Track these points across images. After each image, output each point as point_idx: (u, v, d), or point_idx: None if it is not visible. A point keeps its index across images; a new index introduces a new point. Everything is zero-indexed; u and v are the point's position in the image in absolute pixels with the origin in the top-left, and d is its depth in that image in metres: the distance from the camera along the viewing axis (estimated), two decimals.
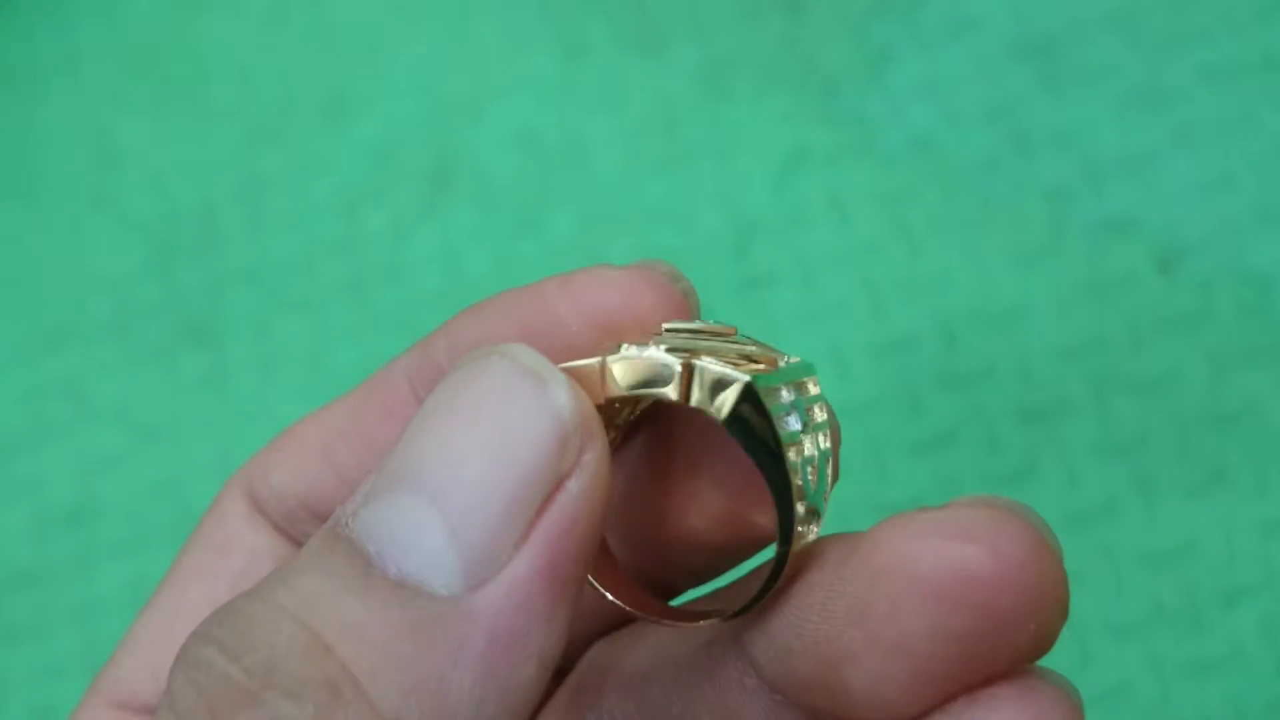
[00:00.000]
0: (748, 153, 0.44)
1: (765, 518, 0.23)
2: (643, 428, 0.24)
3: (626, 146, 0.44)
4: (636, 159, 0.44)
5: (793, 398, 0.22)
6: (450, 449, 0.20)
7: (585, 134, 0.44)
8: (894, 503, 0.38)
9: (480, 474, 0.19)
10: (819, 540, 0.22)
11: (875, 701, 0.21)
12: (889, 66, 0.44)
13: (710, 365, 0.21)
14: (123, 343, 0.44)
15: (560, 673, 0.26)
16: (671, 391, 0.21)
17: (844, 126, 0.43)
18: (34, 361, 0.44)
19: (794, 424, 0.21)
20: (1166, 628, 0.37)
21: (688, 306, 0.23)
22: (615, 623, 0.26)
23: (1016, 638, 0.20)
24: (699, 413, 0.21)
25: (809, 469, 0.21)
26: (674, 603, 0.25)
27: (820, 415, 0.22)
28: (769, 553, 0.22)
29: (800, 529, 0.21)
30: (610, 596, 0.24)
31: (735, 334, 0.22)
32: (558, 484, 0.20)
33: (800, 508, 0.21)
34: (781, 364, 0.22)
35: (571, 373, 0.21)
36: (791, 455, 0.21)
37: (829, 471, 0.22)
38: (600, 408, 0.21)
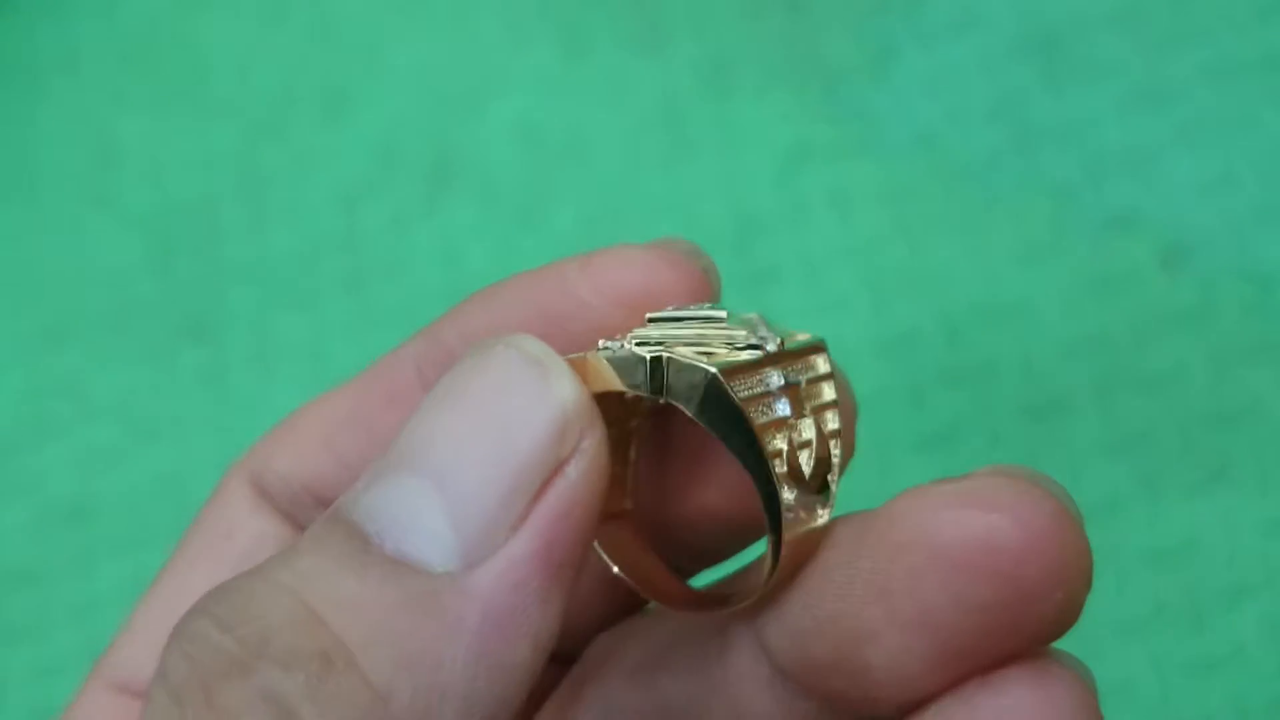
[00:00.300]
0: (749, 149, 0.43)
1: None
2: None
3: (628, 143, 0.44)
4: (638, 155, 0.44)
5: (782, 381, 0.21)
6: (452, 433, 0.20)
7: (586, 130, 0.44)
8: None
9: (481, 457, 0.20)
10: (833, 522, 0.22)
11: (897, 679, 0.20)
12: (891, 63, 0.44)
13: (677, 357, 0.21)
14: (122, 339, 0.44)
15: (566, 662, 0.26)
16: (644, 388, 0.21)
17: (846, 123, 0.43)
18: (34, 358, 0.44)
19: (781, 408, 0.21)
20: (1168, 626, 0.37)
21: (708, 283, 0.23)
22: (623, 611, 0.26)
23: (1042, 608, 0.20)
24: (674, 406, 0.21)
25: (804, 452, 0.21)
26: (694, 583, 0.25)
27: (828, 393, 0.22)
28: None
29: (799, 514, 0.21)
30: (619, 571, 0.24)
31: (726, 318, 0.22)
32: (557, 469, 0.20)
33: (789, 494, 0.21)
34: (770, 347, 0.21)
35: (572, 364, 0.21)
36: (778, 441, 0.21)
37: (837, 450, 0.22)
38: (616, 398, 0.21)
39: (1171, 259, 0.41)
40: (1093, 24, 0.43)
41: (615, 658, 0.25)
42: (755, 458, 0.21)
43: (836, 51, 0.44)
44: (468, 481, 0.20)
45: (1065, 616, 0.20)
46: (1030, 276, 0.41)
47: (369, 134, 0.45)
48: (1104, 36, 0.43)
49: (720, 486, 0.23)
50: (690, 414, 0.21)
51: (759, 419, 0.21)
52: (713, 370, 0.21)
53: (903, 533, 0.20)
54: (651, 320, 0.22)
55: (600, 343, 0.22)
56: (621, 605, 0.26)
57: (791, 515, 0.21)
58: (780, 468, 0.21)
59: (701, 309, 0.22)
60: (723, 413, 0.21)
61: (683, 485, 0.24)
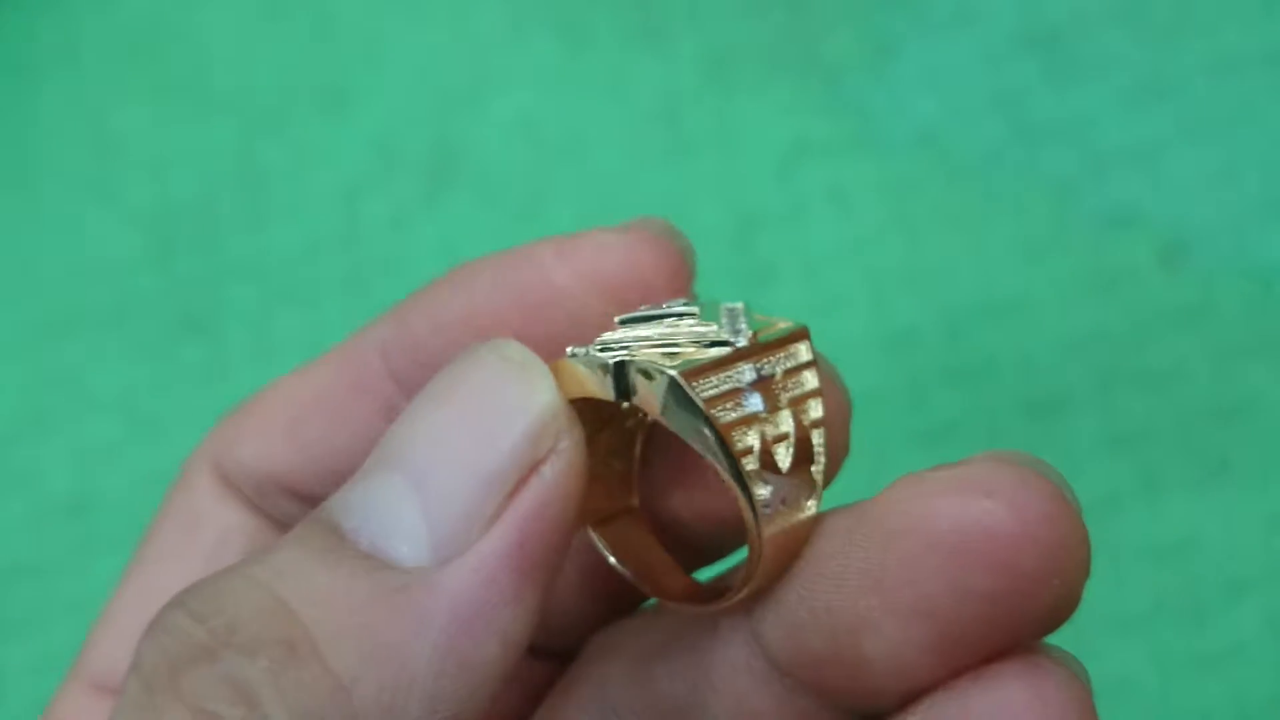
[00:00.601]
0: (750, 145, 0.43)
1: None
2: None
3: (628, 138, 0.44)
4: (638, 151, 0.44)
5: (754, 375, 0.21)
6: (433, 434, 0.20)
7: (586, 126, 0.44)
8: None
9: (458, 457, 0.20)
10: (826, 514, 0.21)
11: (895, 671, 0.20)
12: (891, 58, 0.44)
13: (638, 361, 0.21)
14: (122, 334, 0.44)
15: (564, 659, 0.26)
16: (609, 393, 0.21)
17: (846, 118, 0.43)
18: (33, 353, 0.44)
19: (753, 403, 0.21)
20: (1168, 622, 0.37)
21: (686, 264, 0.23)
22: (620, 608, 0.26)
23: (1040, 595, 0.19)
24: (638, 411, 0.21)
25: (781, 445, 0.21)
26: (702, 577, 0.25)
27: (810, 381, 0.21)
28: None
29: (779, 508, 0.21)
30: (620, 567, 0.24)
31: (698, 314, 0.22)
32: (532, 469, 0.20)
33: (764, 490, 0.21)
34: (740, 341, 0.21)
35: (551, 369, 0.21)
36: (749, 438, 0.21)
37: (820, 440, 0.21)
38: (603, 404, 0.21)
39: (1172, 255, 0.40)
40: (1093, 19, 0.43)
41: (611, 655, 0.25)
42: (724, 457, 0.21)
43: (836, 47, 0.44)
44: (444, 480, 0.20)
45: (1063, 605, 0.20)
46: (1030, 273, 0.41)
47: (369, 130, 0.45)
48: (1105, 31, 0.43)
49: (721, 482, 0.23)
50: (655, 417, 0.21)
51: (726, 417, 0.20)
52: (672, 372, 0.20)
53: (898, 520, 0.20)
54: (622, 322, 0.22)
55: (568, 349, 0.22)
56: (619, 602, 0.26)
57: (770, 510, 0.21)
58: (752, 464, 0.21)
59: (674, 306, 0.22)
60: (686, 414, 0.21)
61: (686, 481, 0.24)
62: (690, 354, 0.21)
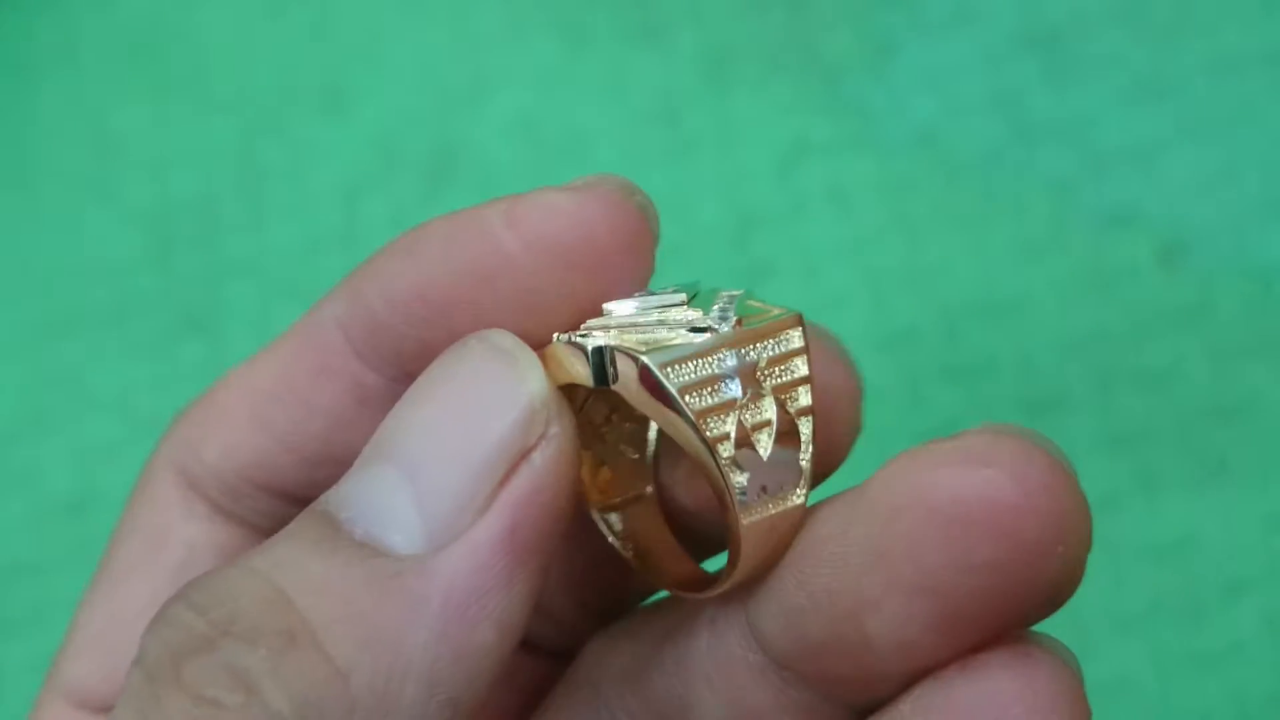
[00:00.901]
0: (749, 143, 0.43)
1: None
2: None
3: (627, 137, 0.44)
4: (637, 149, 0.44)
5: (736, 361, 0.21)
6: (425, 424, 0.20)
7: (586, 124, 0.44)
8: None
9: (449, 446, 0.20)
10: (822, 503, 0.21)
11: (898, 650, 0.20)
12: (891, 57, 0.44)
13: (616, 346, 0.21)
14: (122, 333, 0.44)
15: (563, 660, 0.26)
16: (588, 379, 0.21)
17: (845, 117, 0.43)
18: (33, 351, 0.44)
19: (732, 389, 0.21)
20: (1167, 621, 0.37)
21: (646, 222, 0.22)
22: (621, 609, 0.26)
23: (1044, 565, 0.19)
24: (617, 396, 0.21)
25: (763, 433, 0.21)
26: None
27: (799, 369, 0.21)
28: None
29: (758, 495, 0.21)
30: (624, 551, 0.24)
31: (694, 300, 0.22)
32: (523, 455, 0.20)
33: (741, 477, 0.21)
34: (724, 328, 0.21)
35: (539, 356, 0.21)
36: (726, 425, 0.20)
37: (807, 427, 0.21)
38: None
39: (1171, 255, 0.41)
40: (1093, 18, 0.43)
41: (608, 658, 0.24)
42: (698, 444, 0.20)
43: (836, 46, 0.44)
44: (436, 470, 0.20)
45: (1066, 578, 0.20)
46: (1029, 272, 0.41)
47: (368, 128, 0.45)
48: (1104, 31, 0.43)
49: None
50: (630, 402, 0.21)
51: (701, 403, 0.20)
52: (644, 358, 0.20)
53: (898, 495, 0.20)
54: (608, 307, 0.22)
55: (555, 335, 0.21)
56: (621, 601, 0.26)
57: (747, 498, 0.21)
58: (727, 451, 0.20)
59: (664, 293, 0.21)
60: (659, 400, 0.20)
61: (694, 469, 0.24)
62: (669, 339, 0.21)
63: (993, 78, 0.43)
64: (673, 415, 0.20)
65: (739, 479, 0.21)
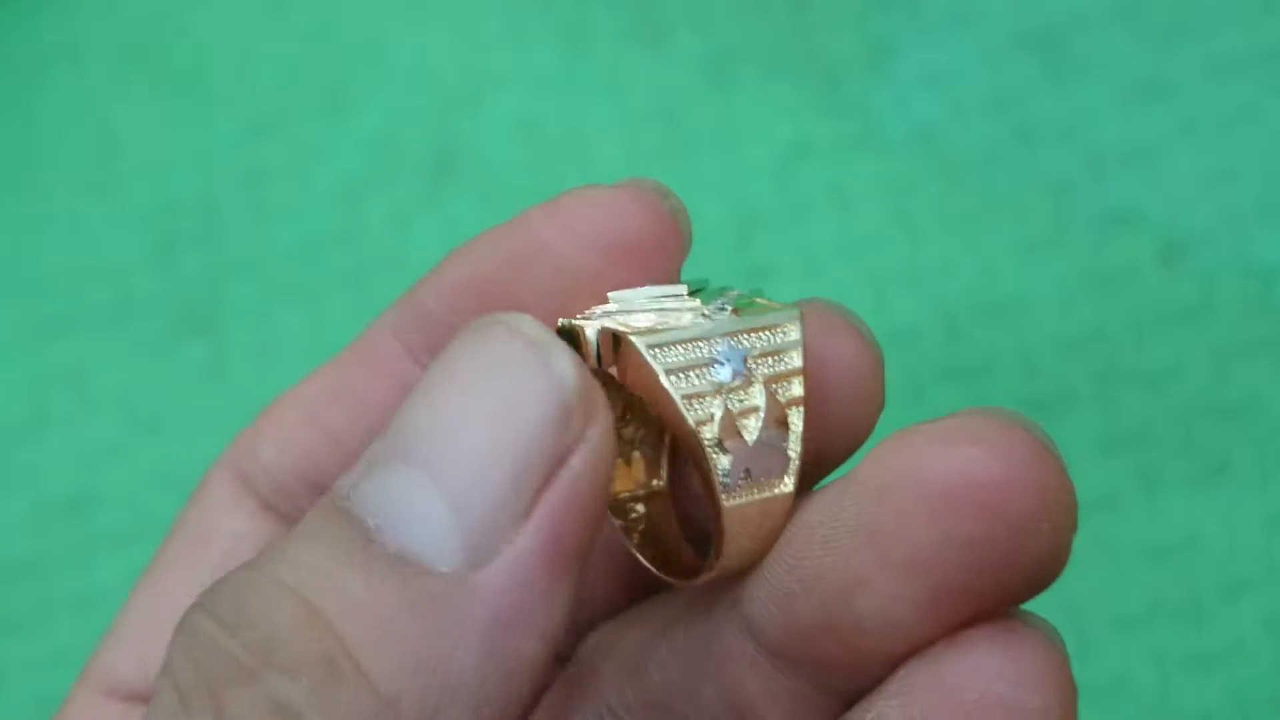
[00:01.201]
0: (750, 144, 0.43)
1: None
2: None
3: (628, 137, 0.44)
4: (638, 149, 0.44)
5: (726, 347, 0.21)
6: (449, 421, 0.20)
7: (587, 124, 0.44)
8: None
9: (481, 449, 0.19)
10: (814, 492, 0.21)
11: (889, 628, 0.20)
12: (892, 58, 0.44)
13: (608, 326, 0.21)
14: (123, 332, 0.44)
15: (559, 661, 0.26)
16: (592, 360, 0.21)
17: (847, 118, 0.43)
18: (33, 351, 0.44)
19: (720, 374, 0.21)
20: (1167, 621, 0.37)
21: (677, 225, 0.23)
22: (615, 608, 0.26)
23: (1029, 541, 0.20)
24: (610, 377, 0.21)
25: (749, 419, 0.21)
26: None
27: (793, 360, 0.21)
28: None
29: (740, 480, 0.21)
30: (635, 550, 0.24)
31: (700, 294, 0.22)
32: (560, 460, 0.19)
33: (726, 460, 0.21)
34: (719, 316, 0.21)
35: None
36: (711, 407, 0.21)
37: (797, 417, 0.21)
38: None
39: (1172, 254, 0.41)
40: (1094, 18, 0.43)
41: (607, 653, 0.25)
42: (682, 424, 0.21)
43: (837, 47, 0.44)
44: (468, 474, 0.19)
45: (1052, 555, 0.20)
46: (1030, 272, 0.41)
47: (370, 128, 0.45)
48: (1105, 31, 0.43)
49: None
50: (620, 381, 0.21)
51: (688, 386, 0.21)
52: (634, 339, 0.21)
53: (886, 474, 0.20)
54: (613, 296, 0.22)
55: (559, 320, 0.22)
56: (615, 600, 0.26)
57: (730, 481, 0.21)
58: (710, 433, 0.21)
59: (669, 287, 0.22)
60: (644, 379, 0.21)
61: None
62: (663, 324, 0.21)
63: (993, 78, 0.43)
64: (661, 396, 0.21)
65: (721, 461, 0.21)
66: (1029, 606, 0.21)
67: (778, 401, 0.21)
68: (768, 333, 0.22)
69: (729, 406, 0.21)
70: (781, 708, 0.22)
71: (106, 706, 0.26)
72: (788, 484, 0.21)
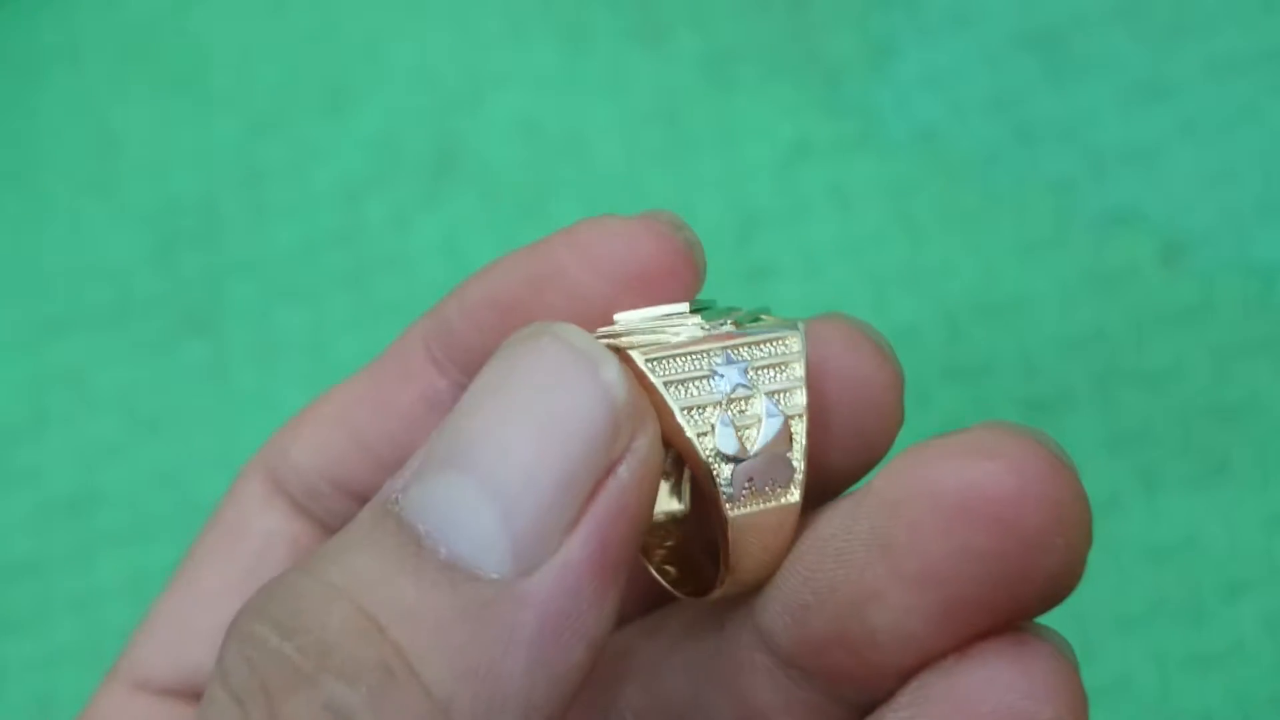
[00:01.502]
0: (750, 143, 0.43)
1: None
2: None
3: (628, 137, 0.44)
4: (638, 149, 0.44)
5: (725, 360, 0.21)
6: (501, 431, 0.20)
7: (587, 124, 0.44)
8: None
9: (531, 458, 0.19)
10: (830, 503, 0.22)
11: (902, 641, 0.20)
12: (892, 58, 0.44)
13: (606, 344, 0.21)
14: (124, 332, 0.44)
15: None
16: None
17: (847, 118, 0.43)
18: (35, 350, 0.44)
19: (720, 386, 0.21)
20: (1168, 621, 0.37)
21: (691, 257, 0.23)
22: (629, 616, 0.26)
23: (1043, 556, 0.20)
24: None
25: (750, 430, 0.21)
26: None
27: (795, 372, 0.22)
28: None
29: (743, 491, 0.21)
30: (654, 571, 0.24)
31: (688, 309, 0.22)
32: (609, 469, 0.20)
33: (727, 470, 0.21)
34: (718, 331, 0.22)
35: None
36: (710, 417, 0.21)
37: (799, 427, 0.22)
38: None
39: (1172, 254, 0.41)
40: (1094, 18, 0.43)
41: (625, 659, 0.25)
42: (682, 437, 0.21)
43: (837, 46, 0.44)
44: (519, 483, 0.19)
45: (1066, 570, 0.20)
46: (1030, 272, 0.41)
47: (370, 128, 0.45)
48: (1105, 30, 0.43)
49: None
50: None
51: (687, 398, 0.21)
52: (632, 352, 0.21)
53: (901, 488, 0.20)
54: (618, 317, 0.22)
55: None
56: (631, 607, 0.26)
57: (734, 491, 0.21)
58: (710, 444, 0.21)
59: (673, 307, 0.22)
60: (645, 392, 0.21)
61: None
62: (663, 339, 0.21)
63: (993, 78, 0.43)
64: (662, 408, 0.21)
65: (724, 471, 0.21)
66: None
67: (780, 412, 0.21)
68: (769, 345, 0.22)
69: (731, 418, 0.21)
70: (794, 718, 0.22)
71: (135, 700, 0.26)
72: (794, 494, 0.21)
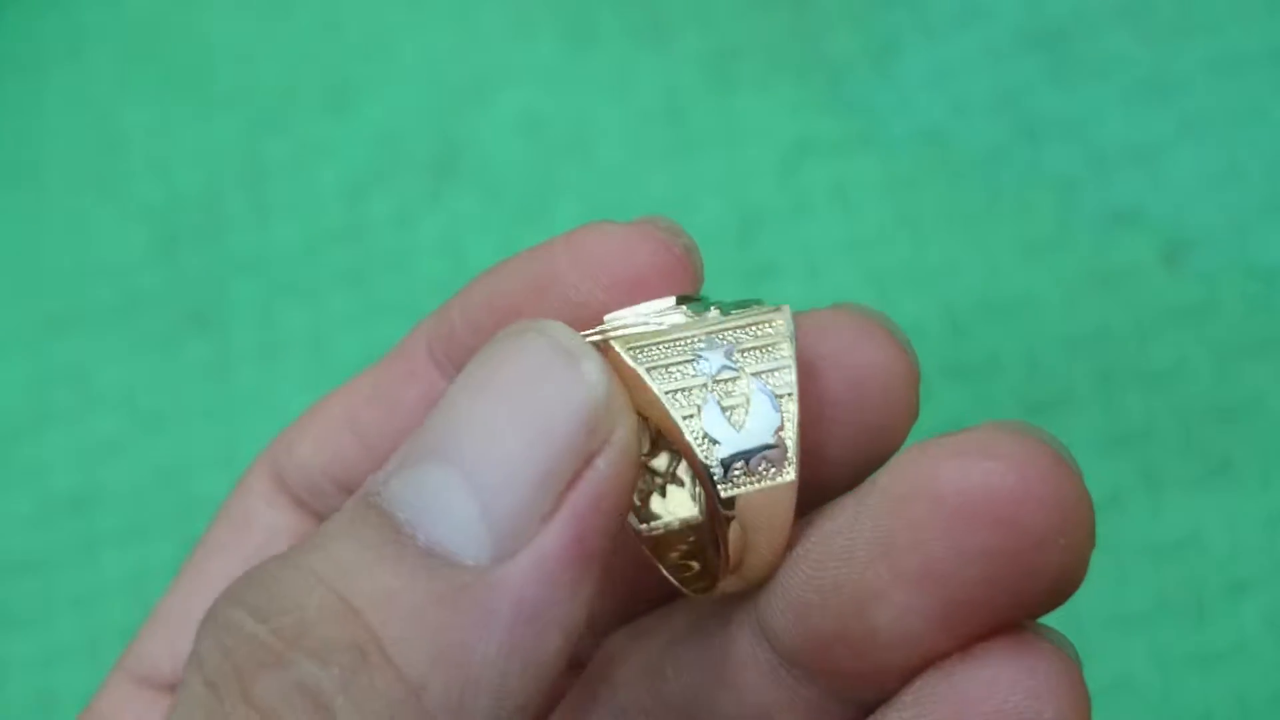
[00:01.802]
0: (753, 142, 0.43)
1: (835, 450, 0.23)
2: None
3: (631, 135, 0.44)
4: (641, 148, 0.44)
5: (708, 345, 0.21)
6: (484, 423, 0.20)
7: (590, 122, 0.44)
8: None
9: (511, 446, 0.20)
10: (834, 500, 0.21)
11: (904, 640, 0.20)
12: (895, 57, 0.44)
13: (594, 340, 0.21)
14: (126, 329, 0.44)
15: (577, 666, 0.26)
16: None
17: (850, 116, 0.43)
18: (37, 347, 0.44)
19: (704, 369, 0.21)
20: (1170, 620, 0.37)
21: (689, 263, 0.23)
22: (632, 613, 0.26)
23: (1045, 556, 0.20)
24: None
25: (736, 412, 0.21)
26: None
27: (783, 353, 0.22)
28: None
29: (734, 472, 0.21)
30: (660, 565, 0.24)
31: (680, 303, 0.22)
32: (587, 460, 0.20)
33: (718, 451, 0.21)
34: (704, 317, 0.22)
35: None
36: (695, 400, 0.21)
37: (789, 407, 0.21)
38: None
39: (1175, 254, 0.40)
40: (1098, 17, 0.43)
41: (625, 658, 0.25)
42: (668, 421, 0.21)
43: (840, 45, 0.44)
44: (499, 473, 0.20)
45: (1068, 570, 0.20)
46: (1033, 271, 0.41)
47: (373, 126, 0.45)
48: (1109, 30, 0.43)
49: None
50: None
51: (671, 382, 0.21)
52: (614, 343, 0.21)
53: (904, 487, 0.20)
54: (608, 318, 0.22)
55: None
56: (632, 606, 0.26)
57: (724, 473, 0.21)
58: (697, 427, 0.21)
59: (660, 301, 0.22)
60: (630, 383, 0.21)
61: None
62: (642, 330, 0.22)
63: (997, 77, 0.43)
64: (649, 397, 0.21)
65: (713, 453, 0.21)
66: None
67: (769, 392, 0.21)
68: (754, 326, 0.22)
69: (717, 401, 0.21)
70: (797, 716, 0.22)
71: (138, 695, 0.26)
72: (788, 473, 0.21)
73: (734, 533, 0.21)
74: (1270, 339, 0.39)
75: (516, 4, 0.46)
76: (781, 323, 0.22)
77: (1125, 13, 0.43)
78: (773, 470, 0.21)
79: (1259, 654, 0.37)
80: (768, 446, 0.21)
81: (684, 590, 0.23)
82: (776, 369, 0.22)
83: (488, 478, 0.20)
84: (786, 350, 0.22)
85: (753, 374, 0.21)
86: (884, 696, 0.21)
